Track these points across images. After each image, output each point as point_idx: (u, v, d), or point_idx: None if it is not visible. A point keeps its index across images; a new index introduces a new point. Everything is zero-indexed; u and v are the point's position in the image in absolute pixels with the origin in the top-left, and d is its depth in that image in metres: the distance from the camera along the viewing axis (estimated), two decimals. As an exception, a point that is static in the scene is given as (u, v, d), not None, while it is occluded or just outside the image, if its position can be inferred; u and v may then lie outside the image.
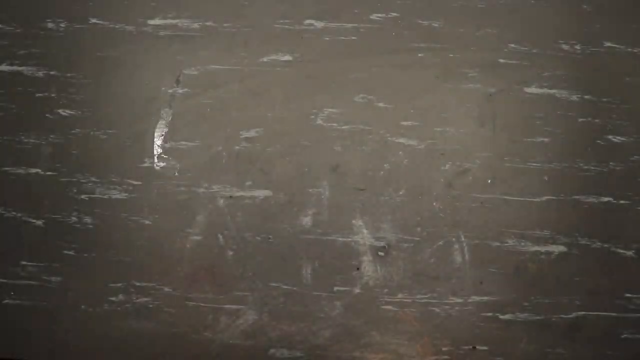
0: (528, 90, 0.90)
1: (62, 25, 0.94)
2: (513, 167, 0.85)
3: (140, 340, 0.75)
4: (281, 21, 0.93)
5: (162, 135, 0.87)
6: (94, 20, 0.94)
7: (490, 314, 0.76)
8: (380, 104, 0.88)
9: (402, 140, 0.86)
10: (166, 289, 0.77)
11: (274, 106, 0.88)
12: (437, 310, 0.80)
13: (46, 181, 0.83)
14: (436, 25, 0.94)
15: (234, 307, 0.76)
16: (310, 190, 0.83)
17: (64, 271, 0.78)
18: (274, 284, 0.78)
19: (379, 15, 0.95)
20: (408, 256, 0.83)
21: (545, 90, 0.90)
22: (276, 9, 0.95)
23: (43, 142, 0.86)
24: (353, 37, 0.92)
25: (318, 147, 0.85)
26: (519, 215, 0.82)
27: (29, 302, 0.76)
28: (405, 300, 0.81)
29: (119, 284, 0.77)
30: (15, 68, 0.90)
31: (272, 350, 0.74)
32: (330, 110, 0.88)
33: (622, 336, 0.74)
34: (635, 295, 0.77)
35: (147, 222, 0.81)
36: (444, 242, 0.83)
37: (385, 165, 0.85)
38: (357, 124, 0.87)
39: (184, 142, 0.86)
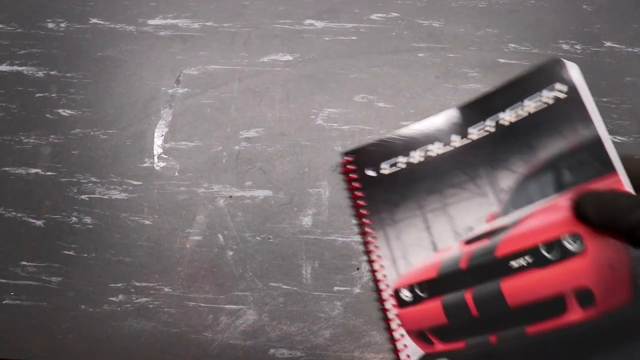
0: (528, 90, 0.90)
1: (62, 25, 0.94)
2: (513, 167, 0.85)
3: (140, 340, 0.75)
4: (281, 21, 0.93)
5: (162, 135, 0.87)
6: (94, 20, 0.94)
7: (490, 314, 0.76)
8: (381, 104, 0.88)
9: (402, 140, 0.86)
10: (166, 289, 0.77)
11: (274, 106, 0.88)
12: (437, 310, 0.80)
13: (46, 181, 0.83)
14: (436, 25, 0.94)
15: (234, 307, 0.76)
16: (310, 190, 0.83)
17: (64, 271, 0.78)
18: (274, 284, 0.78)
19: (379, 15, 0.95)
20: (408, 256, 0.83)
21: (545, 90, 0.90)
22: (276, 9, 0.95)
23: (43, 142, 0.86)
24: (353, 37, 0.92)
25: (318, 147, 0.85)
26: (519, 215, 0.82)
27: (29, 302, 0.76)
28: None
29: (119, 284, 0.77)
30: (15, 68, 0.90)
31: (272, 350, 0.74)
32: (330, 110, 0.88)
33: (622, 336, 0.74)
34: (635, 295, 0.76)
35: (147, 222, 0.81)
36: (444, 242, 0.83)
37: (385, 165, 0.85)
38: (357, 124, 0.87)
39: (184, 142, 0.86)
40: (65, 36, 0.93)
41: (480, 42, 0.93)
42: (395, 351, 0.72)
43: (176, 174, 0.84)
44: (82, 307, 0.76)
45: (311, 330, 0.76)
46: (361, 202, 0.75)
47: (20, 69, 0.90)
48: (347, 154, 0.78)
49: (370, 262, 0.76)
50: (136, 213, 0.81)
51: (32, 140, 0.86)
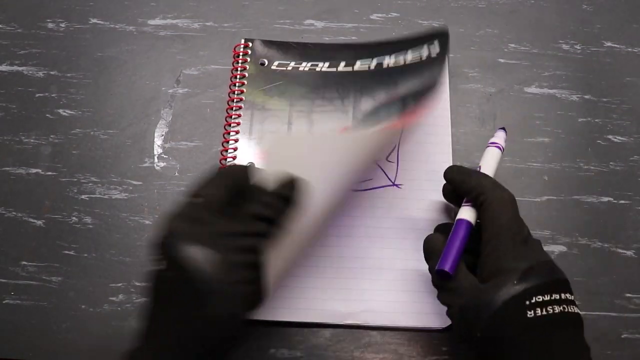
0: (528, 90, 0.90)
1: (62, 25, 0.94)
2: (513, 167, 0.85)
3: (140, 340, 0.75)
4: (281, 21, 0.93)
5: (162, 135, 0.87)
6: (94, 20, 0.94)
7: (490, 314, 0.75)
8: (380, 104, 0.88)
9: (402, 140, 0.86)
10: (166, 289, 0.76)
11: (274, 106, 0.88)
12: (437, 310, 0.80)
13: (46, 181, 0.83)
14: (436, 25, 0.94)
15: (234, 307, 0.75)
16: (310, 190, 0.82)
17: (64, 271, 0.78)
18: (274, 284, 0.78)
19: (379, 15, 0.95)
20: (408, 256, 0.82)
21: (546, 90, 0.90)
22: (276, 9, 0.95)
23: (43, 142, 0.86)
24: (353, 37, 0.92)
25: (318, 147, 0.85)
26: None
27: (29, 302, 0.76)
28: (405, 300, 0.81)
29: (119, 284, 0.77)
30: (15, 68, 0.90)
31: (272, 350, 0.74)
32: (330, 110, 0.87)
33: (622, 336, 0.74)
34: (635, 295, 0.77)
35: (147, 222, 0.81)
36: (444, 242, 0.83)
37: (385, 165, 0.85)
38: (357, 124, 0.87)
39: (184, 142, 0.86)
40: (65, 36, 0.93)
41: (480, 42, 0.93)
42: None
43: (176, 174, 0.84)
44: (82, 307, 0.76)
45: (311, 330, 0.76)
46: (243, 82, 0.85)
47: (20, 69, 0.90)
48: (248, 40, 0.88)
49: (226, 132, 0.82)
50: (136, 213, 0.81)
51: (32, 140, 0.86)
